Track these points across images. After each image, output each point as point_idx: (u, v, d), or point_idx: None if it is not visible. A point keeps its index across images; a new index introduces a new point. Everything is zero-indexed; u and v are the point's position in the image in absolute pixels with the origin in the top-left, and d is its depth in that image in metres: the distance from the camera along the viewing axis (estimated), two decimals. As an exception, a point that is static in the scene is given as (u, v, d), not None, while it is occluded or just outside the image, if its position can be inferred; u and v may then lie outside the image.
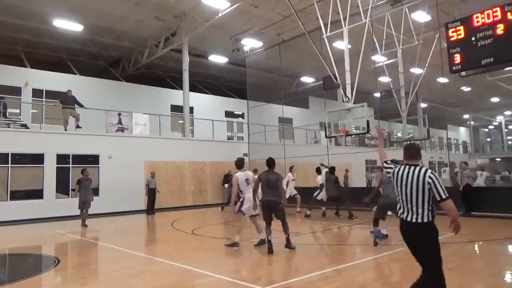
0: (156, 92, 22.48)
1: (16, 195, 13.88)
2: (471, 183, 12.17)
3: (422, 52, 16.68)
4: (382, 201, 7.66)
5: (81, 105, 15.75)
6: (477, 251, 7.50)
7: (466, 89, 31.35)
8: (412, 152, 3.65)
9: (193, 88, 22.71)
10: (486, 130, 52.27)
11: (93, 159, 15.69)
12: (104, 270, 6.78)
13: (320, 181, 12.60)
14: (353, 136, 21.73)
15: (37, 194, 14.24)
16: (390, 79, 17.87)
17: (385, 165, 3.89)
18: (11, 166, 13.89)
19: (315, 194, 12.62)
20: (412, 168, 3.53)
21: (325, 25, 13.22)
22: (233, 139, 23.39)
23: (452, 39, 8.97)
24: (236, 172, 7.79)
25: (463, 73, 9.11)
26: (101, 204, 15.08)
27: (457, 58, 8.83)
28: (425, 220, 3.40)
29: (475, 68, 8.84)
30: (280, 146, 19.81)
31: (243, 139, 22.70)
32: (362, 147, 27.26)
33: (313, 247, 8.26)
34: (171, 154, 17.94)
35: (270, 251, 6.90)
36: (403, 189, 3.51)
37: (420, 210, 3.41)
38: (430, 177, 3.39)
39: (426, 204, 3.40)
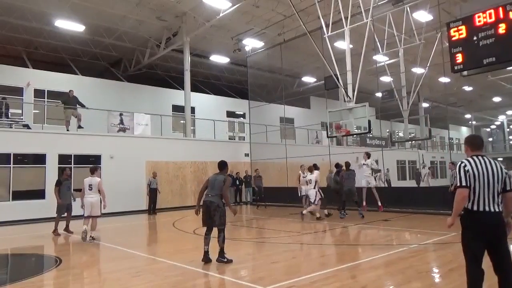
0: (157, 92, 22.50)
1: (18, 195, 13.91)
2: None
3: (424, 51, 16.67)
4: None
5: (82, 105, 15.77)
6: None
7: (467, 88, 31.31)
8: (478, 143, 3.69)
9: (195, 88, 22.73)
10: (488, 129, 52.16)
11: (95, 159, 15.69)
12: (106, 270, 6.79)
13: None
14: (354, 136, 21.75)
15: (39, 194, 14.25)
16: (392, 79, 17.87)
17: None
18: (13, 167, 13.91)
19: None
20: (486, 159, 3.55)
21: (327, 25, 13.23)
22: (234, 139, 23.39)
23: (453, 38, 8.95)
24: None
25: (465, 72, 9.09)
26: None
27: (459, 57, 8.81)
28: (501, 208, 3.49)
29: (477, 68, 8.81)
30: (282, 146, 19.82)
31: (244, 139, 22.70)
32: (364, 147, 27.22)
33: (315, 247, 8.26)
34: (172, 154, 17.95)
35: (204, 259, 6.29)
36: (485, 180, 3.45)
37: (499, 200, 3.48)
38: (505, 168, 3.55)
39: (500, 194, 3.50)
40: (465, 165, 3.51)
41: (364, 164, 12.67)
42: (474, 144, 3.68)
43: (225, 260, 6.29)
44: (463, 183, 3.46)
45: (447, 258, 6.44)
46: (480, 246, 3.47)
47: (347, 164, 12.61)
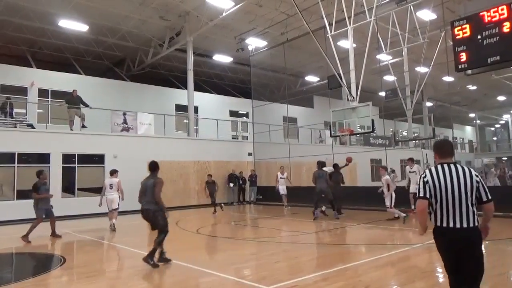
0: (160, 92, 22.53)
1: (22, 195, 13.94)
2: None
3: (428, 50, 16.60)
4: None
5: (86, 105, 15.83)
6: (483, 251, 7.43)
7: (472, 87, 31.16)
8: (446, 149, 3.31)
9: (198, 87, 22.75)
10: (492, 129, 51.90)
11: (99, 159, 15.75)
12: (110, 269, 6.83)
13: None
14: (358, 135, 21.70)
15: (43, 193, 14.30)
16: (395, 78, 17.79)
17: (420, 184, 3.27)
18: (17, 166, 13.98)
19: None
20: (452, 167, 3.16)
21: (330, 24, 13.21)
22: (237, 139, 23.40)
23: (457, 37, 8.91)
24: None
25: (469, 71, 9.05)
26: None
27: (463, 56, 8.78)
28: (476, 223, 3.08)
29: (481, 67, 8.79)
30: (285, 145, 19.82)
31: (247, 139, 22.71)
32: (367, 146, 27.15)
33: (317, 246, 8.25)
34: (175, 154, 17.97)
35: (159, 260, 6.30)
36: (450, 192, 3.08)
37: (470, 214, 3.07)
38: (476, 175, 3.13)
39: (474, 206, 3.11)
40: (425, 176, 3.20)
41: (411, 172, 12.11)
42: (442, 151, 3.32)
43: (152, 262, 6.05)
44: (421, 194, 3.16)
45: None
46: (451, 262, 3.16)
47: (321, 164, 12.09)
